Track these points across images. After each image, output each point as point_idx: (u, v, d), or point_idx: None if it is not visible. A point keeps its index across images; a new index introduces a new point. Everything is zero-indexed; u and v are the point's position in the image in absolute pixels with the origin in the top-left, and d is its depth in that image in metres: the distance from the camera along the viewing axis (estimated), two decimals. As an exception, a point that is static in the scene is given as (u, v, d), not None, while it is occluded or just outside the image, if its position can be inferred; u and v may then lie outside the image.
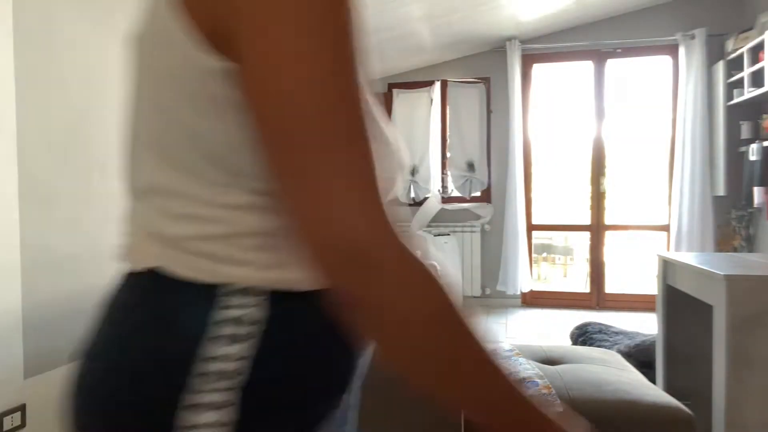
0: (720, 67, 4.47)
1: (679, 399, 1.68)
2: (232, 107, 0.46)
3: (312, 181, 0.41)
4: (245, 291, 0.48)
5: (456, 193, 5.34)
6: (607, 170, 5.09)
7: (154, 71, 0.51)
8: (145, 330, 0.49)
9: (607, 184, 5.11)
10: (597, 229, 5.12)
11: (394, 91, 5.38)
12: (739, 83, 4.25)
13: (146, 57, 0.53)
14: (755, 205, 4.19)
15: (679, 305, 2.39)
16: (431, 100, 5.28)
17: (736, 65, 4.33)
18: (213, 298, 0.48)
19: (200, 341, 0.47)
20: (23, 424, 1.90)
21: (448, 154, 5.33)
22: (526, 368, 1.83)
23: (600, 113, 5.06)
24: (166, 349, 0.48)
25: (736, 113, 4.42)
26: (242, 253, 0.49)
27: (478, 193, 5.32)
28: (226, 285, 0.48)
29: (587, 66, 5.09)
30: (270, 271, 0.49)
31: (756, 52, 4.01)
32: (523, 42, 5.03)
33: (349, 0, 0.46)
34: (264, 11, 0.41)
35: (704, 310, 2.06)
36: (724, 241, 4.63)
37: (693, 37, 4.63)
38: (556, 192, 5.56)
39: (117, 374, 0.49)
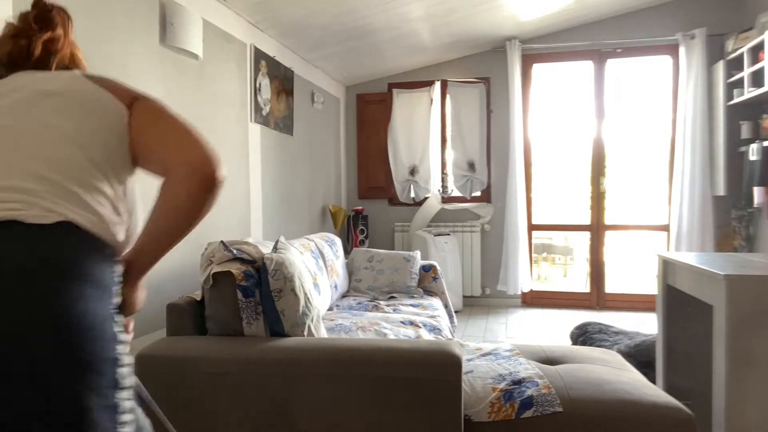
0: (720, 67, 4.47)
1: (679, 399, 1.68)
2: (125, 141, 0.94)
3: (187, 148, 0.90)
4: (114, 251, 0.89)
5: (456, 193, 5.34)
6: (607, 170, 5.09)
7: (91, 114, 0.92)
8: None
9: (607, 184, 5.11)
10: (597, 229, 5.12)
11: (394, 91, 5.38)
12: (739, 83, 4.25)
13: (78, 106, 0.93)
14: (755, 205, 4.19)
15: (679, 305, 2.39)
16: (431, 100, 5.28)
17: (736, 65, 4.33)
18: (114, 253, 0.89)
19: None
20: None
21: (449, 154, 5.33)
22: (526, 368, 1.83)
23: (600, 113, 5.06)
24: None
25: (736, 113, 4.43)
26: (120, 226, 0.91)
27: (478, 193, 5.32)
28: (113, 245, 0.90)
29: (587, 66, 5.10)
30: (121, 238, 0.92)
31: (756, 52, 4.01)
32: (523, 42, 5.03)
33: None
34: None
35: (704, 310, 2.06)
36: (724, 241, 4.64)
37: (693, 37, 4.63)
38: (557, 192, 5.56)
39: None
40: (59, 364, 0.69)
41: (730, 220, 4.63)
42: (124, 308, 0.93)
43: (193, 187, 0.86)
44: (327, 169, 5.09)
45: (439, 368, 1.51)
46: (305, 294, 1.80)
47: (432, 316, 2.83)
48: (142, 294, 1.01)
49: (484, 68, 5.24)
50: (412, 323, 2.64)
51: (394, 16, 3.92)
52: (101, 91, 0.94)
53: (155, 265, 0.96)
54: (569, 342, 3.61)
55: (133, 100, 0.96)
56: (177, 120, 0.93)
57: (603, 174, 5.07)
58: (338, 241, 3.44)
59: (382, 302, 3.10)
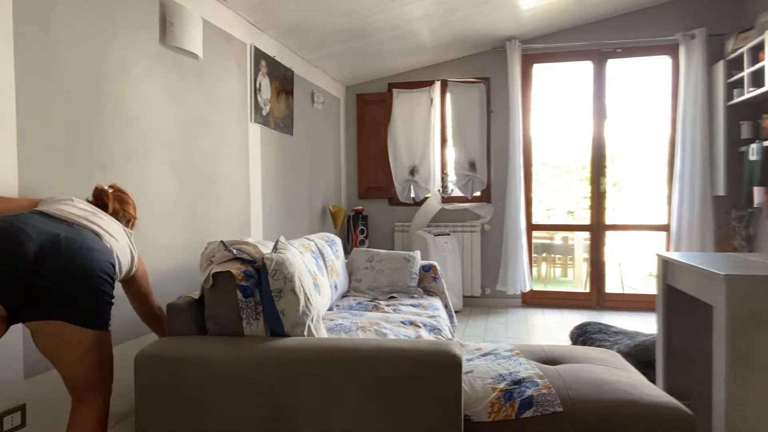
0: (720, 67, 4.48)
1: (679, 399, 1.68)
2: None
3: None
4: None
5: (456, 193, 5.34)
6: (607, 170, 5.10)
7: (124, 241, 1.81)
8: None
9: (608, 184, 5.11)
10: (597, 229, 5.12)
11: (394, 91, 5.38)
12: (739, 83, 4.25)
13: (122, 233, 1.82)
14: (755, 205, 4.19)
15: (679, 305, 2.39)
16: (431, 100, 5.28)
17: (736, 65, 4.33)
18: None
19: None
20: (23, 424, 1.90)
21: (450, 154, 5.33)
22: (526, 368, 1.83)
23: (600, 113, 5.06)
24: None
25: (736, 113, 4.43)
26: None
27: (478, 193, 5.32)
28: None
29: (587, 66, 5.10)
30: None
31: (756, 52, 4.02)
32: (523, 42, 5.03)
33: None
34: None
35: (704, 310, 2.06)
36: (724, 241, 4.64)
37: (693, 37, 4.63)
38: (558, 192, 5.57)
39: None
40: None
41: (730, 220, 4.63)
42: None
43: None
44: (327, 168, 5.09)
45: (439, 368, 1.51)
46: (305, 294, 1.80)
47: (432, 316, 2.83)
48: None
49: (484, 68, 5.24)
50: (412, 323, 2.64)
51: (394, 16, 3.92)
52: None
53: None
54: (569, 342, 3.61)
55: None
56: None
57: (603, 174, 5.07)
58: (338, 241, 3.44)
59: (382, 302, 3.10)
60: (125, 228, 1.83)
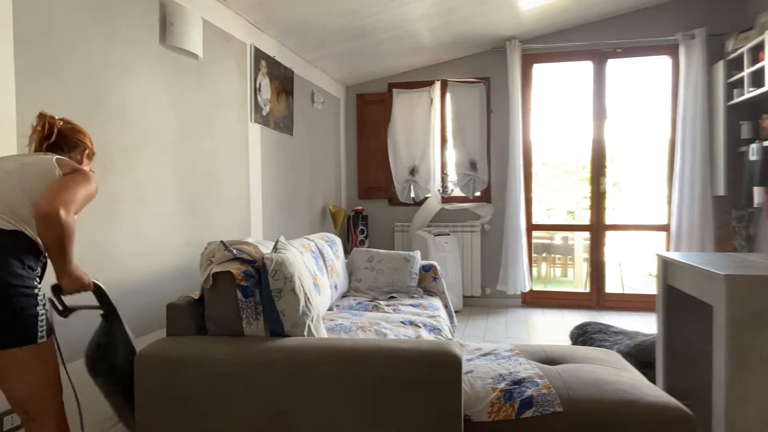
0: (720, 67, 4.48)
1: (679, 399, 1.68)
2: None
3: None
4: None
5: (456, 193, 5.34)
6: (607, 170, 5.09)
7: (32, 175, 1.50)
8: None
9: (608, 184, 5.11)
10: (597, 229, 5.12)
11: (394, 91, 5.38)
12: (739, 83, 4.25)
13: (28, 169, 1.51)
14: (755, 205, 4.19)
15: (679, 305, 2.39)
16: (431, 100, 5.28)
17: (736, 65, 4.33)
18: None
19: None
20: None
21: (451, 154, 5.33)
22: (526, 368, 1.83)
23: (600, 113, 5.06)
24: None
25: (736, 113, 4.43)
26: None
27: (478, 193, 5.32)
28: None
29: (587, 66, 5.10)
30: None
31: (756, 52, 4.02)
32: (523, 42, 5.03)
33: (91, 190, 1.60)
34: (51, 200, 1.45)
35: (704, 310, 2.06)
36: (724, 241, 4.64)
37: (693, 37, 4.63)
38: (558, 192, 5.57)
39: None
40: None
41: (730, 220, 4.64)
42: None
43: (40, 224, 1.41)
44: (327, 169, 5.09)
45: (439, 368, 1.51)
46: (305, 294, 1.80)
47: (432, 316, 2.83)
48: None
49: (484, 68, 5.24)
50: (412, 323, 2.64)
51: (394, 16, 3.92)
52: None
53: (62, 267, 1.48)
54: (569, 342, 3.61)
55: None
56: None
57: (603, 174, 5.07)
58: (338, 241, 3.44)
59: (382, 302, 3.10)
60: (57, 158, 1.56)
